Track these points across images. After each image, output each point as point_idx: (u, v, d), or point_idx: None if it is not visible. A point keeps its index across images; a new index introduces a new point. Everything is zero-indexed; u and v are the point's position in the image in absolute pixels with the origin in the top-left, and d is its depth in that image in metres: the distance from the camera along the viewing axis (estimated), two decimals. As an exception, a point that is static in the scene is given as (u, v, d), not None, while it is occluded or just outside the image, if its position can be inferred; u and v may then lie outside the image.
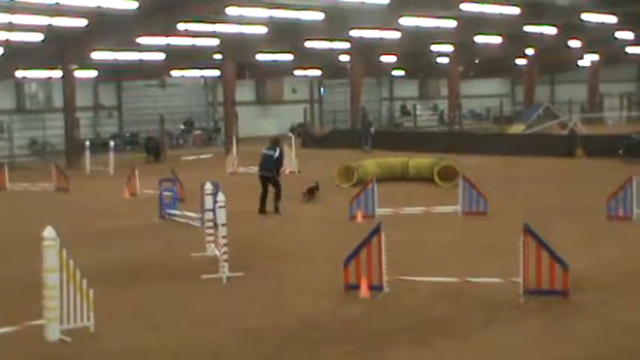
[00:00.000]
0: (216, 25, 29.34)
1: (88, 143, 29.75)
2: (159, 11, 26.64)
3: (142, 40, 30.31)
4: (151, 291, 10.66)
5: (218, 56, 35.91)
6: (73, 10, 24.71)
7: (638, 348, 8.04)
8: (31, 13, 24.61)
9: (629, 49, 46.03)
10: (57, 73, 32.54)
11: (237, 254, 11.76)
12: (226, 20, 28.62)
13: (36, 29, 26.84)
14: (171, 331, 8.84)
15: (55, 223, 8.77)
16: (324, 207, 17.80)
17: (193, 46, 33.15)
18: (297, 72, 45.93)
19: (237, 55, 35.69)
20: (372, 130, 34.37)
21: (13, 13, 24.22)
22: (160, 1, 25.93)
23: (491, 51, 42.15)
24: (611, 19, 34.37)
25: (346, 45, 37.37)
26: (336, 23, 30.49)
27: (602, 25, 35.53)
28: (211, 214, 12.35)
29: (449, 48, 40.86)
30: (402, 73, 51.59)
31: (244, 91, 43.59)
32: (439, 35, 35.87)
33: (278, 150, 17.06)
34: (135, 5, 24.29)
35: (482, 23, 33.71)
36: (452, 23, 32.71)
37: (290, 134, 31.18)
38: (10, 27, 25.76)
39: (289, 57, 39.63)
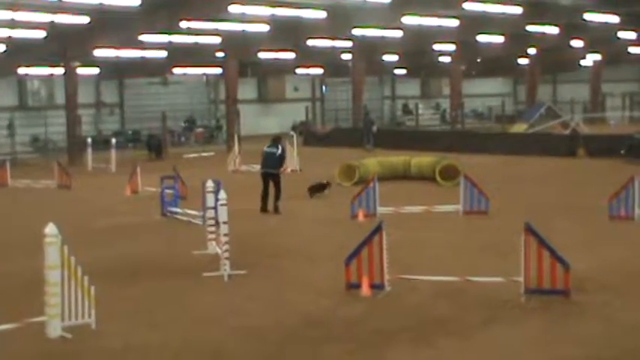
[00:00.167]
0: (219, 23, 29.34)
1: (89, 140, 29.75)
2: (161, 9, 26.64)
3: (145, 37, 30.33)
4: (152, 288, 10.66)
5: (220, 54, 35.92)
6: (76, 7, 24.72)
7: (639, 348, 8.04)
8: (33, 10, 24.64)
9: (632, 49, 45.98)
10: (59, 70, 32.58)
11: (239, 252, 11.77)
12: (229, 18, 28.61)
13: (38, 26, 26.86)
14: (173, 329, 8.84)
15: (57, 220, 8.78)
16: (326, 205, 17.80)
17: (195, 44, 33.15)
18: (299, 70, 45.93)
19: (239, 53, 35.69)
20: (374, 128, 34.37)
21: (15, 10, 24.24)
22: (162, -2, 25.98)
23: (494, 50, 42.12)
24: (614, 19, 34.34)
25: (348, 43, 37.36)
26: (339, 22, 30.48)
27: (605, 25, 35.50)
28: (213, 211, 12.36)
29: (451, 47, 40.82)
30: (404, 71, 51.59)
31: (246, 89, 43.60)
32: (441, 34, 35.84)
33: (280, 147, 17.03)
34: (137, 2, 24.30)
35: (485, 22, 33.69)
36: (454, 22, 32.69)
37: (292, 132, 31.17)
38: (12, 24, 25.77)
39: (291, 55, 39.61)
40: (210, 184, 12.71)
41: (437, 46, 40.55)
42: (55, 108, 35.95)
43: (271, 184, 16.85)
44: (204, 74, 44.65)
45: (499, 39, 39.01)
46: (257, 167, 18.82)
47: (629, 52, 47.04)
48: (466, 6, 28.91)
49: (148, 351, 8.17)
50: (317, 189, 19.18)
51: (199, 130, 42.68)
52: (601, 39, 41.27)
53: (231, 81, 36.25)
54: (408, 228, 14.23)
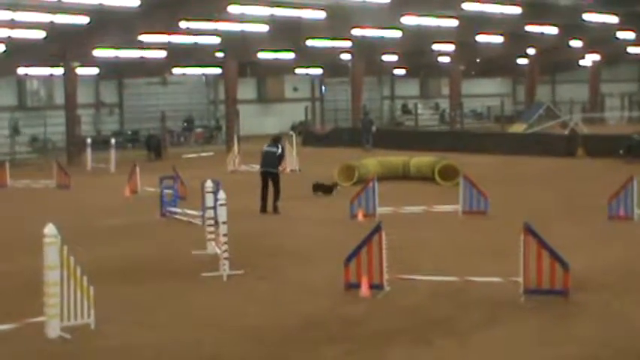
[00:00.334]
0: (218, 23, 29.36)
1: (89, 140, 29.76)
2: (161, 9, 26.64)
3: (144, 37, 30.32)
4: (152, 289, 10.66)
5: (220, 54, 35.92)
6: (75, 7, 24.73)
7: (638, 348, 8.05)
8: (33, 11, 24.64)
9: (631, 49, 46.02)
10: (59, 71, 32.57)
11: (238, 252, 11.77)
12: (228, 18, 28.62)
13: (38, 26, 26.85)
14: (172, 329, 8.85)
15: (56, 220, 8.79)
16: (325, 206, 17.81)
17: (195, 44, 33.16)
18: (298, 70, 45.93)
19: (238, 53, 35.69)
20: (374, 128, 34.38)
21: (15, 10, 24.24)
22: (161, -2, 25.98)
23: (493, 50, 42.14)
24: (613, 19, 34.37)
25: (348, 43, 37.37)
26: (338, 22, 30.49)
27: (604, 25, 35.54)
28: (212, 211, 12.36)
29: (450, 47, 40.85)
30: (403, 71, 51.59)
31: (245, 89, 43.58)
32: (440, 34, 35.87)
33: (280, 147, 17.03)
34: (137, 3, 24.30)
35: (484, 22, 33.72)
36: (453, 22, 32.71)
37: (291, 132, 31.18)
38: (12, 24, 25.76)
39: (291, 55, 39.61)
40: (209, 185, 12.71)
41: (436, 46, 40.57)
42: (55, 108, 35.95)
43: (270, 184, 16.84)
44: (203, 74, 44.64)
45: (498, 39, 39.04)
46: (256, 167, 18.84)
47: (627, 52, 47.08)
48: (465, 6, 28.95)
49: (146, 351, 8.16)
50: (323, 189, 19.22)
51: (199, 130, 42.68)
52: (600, 39, 41.31)
53: (231, 81, 36.26)
54: (407, 228, 14.23)
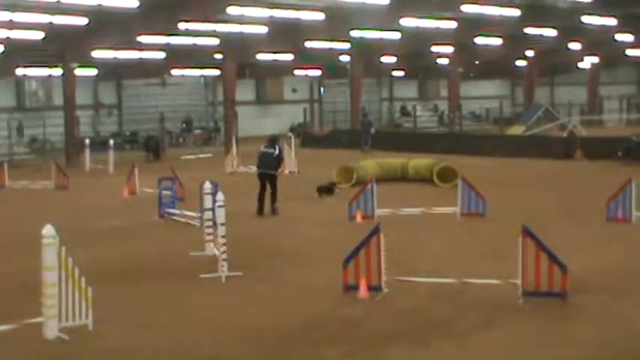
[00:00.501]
0: (217, 24, 29.35)
1: (87, 141, 29.75)
2: (159, 10, 26.63)
3: (143, 38, 30.32)
4: (150, 290, 10.66)
5: (218, 56, 35.91)
6: (74, 8, 24.71)
7: (636, 350, 8.06)
8: (32, 11, 24.62)
9: (629, 52, 46.06)
10: (57, 71, 32.55)
11: (236, 254, 11.76)
12: (227, 20, 28.62)
13: (37, 27, 26.83)
14: (170, 331, 8.84)
15: (54, 221, 8.78)
16: (324, 207, 17.81)
17: (194, 46, 33.15)
18: (297, 72, 45.94)
19: (237, 55, 35.69)
20: (372, 130, 34.39)
21: (14, 11, 24.23)
22: (160, 0, 25.94)
23: (492, 52, 42.18)
24: (611, 22, 34.41)
25: (346, 45, 37.38)
26: (337, 23, 30.50)
27: (602, 28, 35.58)
28: (210, 213, 12.35)
29: (449, 49, 40.87)
30: (402, 73, 51.61)
31: (244, 91, 43.58)
32: (439, 36, 35.90)
33: (277, 148, 16.90)
34: (136, 4, 24.29)
35: (483, 24, 33.75)
36: (452, 24, 32.73)
37: (290, 134, 31.19)
38: (11, 25, 25.75)
39: (289, 57, 39.62)
40: (207, 186, 12.71)
41: (435, 48, 40.60)
42: (53, 109, 35.92)
43: (268, 186, 16.76)
44: (202, 76, 44.64)
45: (497, 41, 39.07)
46: (255, 169, 18.78)
47: (626, 55, 47.12)
48: (464, 8, 28.97)
49: (144, 353, 8.16)
50: (326, 190, 19.25)
51: (197, 131, 42.68)
52: (598, 41, 41.36)
53: (230, 82, 36.26)
54: (405, 230, 14.24)
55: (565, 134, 33.77)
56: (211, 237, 12.43)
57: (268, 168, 16.73)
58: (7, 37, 27.68)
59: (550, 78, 57.03)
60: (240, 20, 28.76)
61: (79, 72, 32.39)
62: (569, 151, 28.18)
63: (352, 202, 15.84)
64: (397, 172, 22.38)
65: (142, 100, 42.49)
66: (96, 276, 9.66)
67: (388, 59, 43.91)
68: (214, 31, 30.46)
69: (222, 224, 11.07)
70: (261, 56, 38.21)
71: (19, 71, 35.00)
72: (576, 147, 28.29)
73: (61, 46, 29.90)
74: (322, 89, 51.02)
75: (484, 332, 8.53)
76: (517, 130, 38.74)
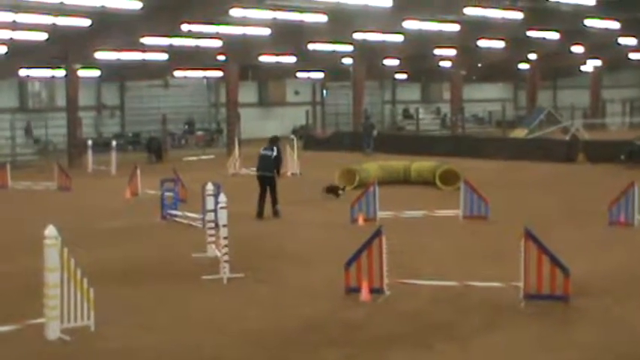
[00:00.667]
0: (220, 26, 29.35)
1: (90, 143, 29.76)
2: (163, 12, 26.65)
3: (146, 40, 30.34)
4: (152, 291, 10.66)
5: (221, 57, 35.93)
6: (77, 9, 24.73)
7: (639, 354, 8.04)
8: (35, 12, 24.63)
9: (632, 55, 46.05)
10: (60, 73, 32.57)
11: (238, 255, 11.77)
12: (230, 22, 28.63)
13: (40, 28, 26.84)
14: (172, 332, 8.84)
15: (57, 222, 8.78)
16: (326, 210, 17.79)
17: (197, 47, 33.16)
18: (299, 74, 45.94)
19: (240, 57, 35.71)
20: (375, 132, 34.40)
21: (17, 12, 24.24)
22: (163, 1, 25.95)
23: (494, 55, 42.15)
24: (614, 25, 34.40)
25: (349, 48, 37.38)
26: (340, 26, 30.50)
27: (605, 31, 35.56)
28: (213, 214, 12.35)
29: (452, 52, 40.87)
30: (404, 76, 51.61)
31: (247, 93, 43.59)
32: (442, 39, 35.87)
33: (276, 149, 16.69)
34: (139, 5, 24.31)
35: (485, 27, 33.73)
36: (455, 27, 32.72)
37: (292, 136, 31.19)
38: (14, 26, 25.77)
39: (292, 59, 39.64)
40: (210, 187, 12.71)
41: (437, 51, 40.60)
42: (56, 110, 35.94)
43: (268, 188, 16.71)
44: (204, 77, 44.65)
45: (500, 44, 39.05)
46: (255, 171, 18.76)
47: (629, 58, 47.10)
48: (467, 11, 28.95)
49: (146, 354, 8.16)
50: (331, 190, 19.24)
51: (199, 133, 42.70)
52: (601, 45, 41.34)
53: (232, 84, 36.27)
54: (407, 232, 14.22)
55: (568, 137, 33.77)
56: (213, 239, 12.43)
57: (266, 170, 16.61)
58: (11, 38, 27.70)
59: (553, 81, 57.00)
60: (243, 22, 28.77)
61: (82, 73, 32.40)
62: (572, 154, 28.16)
63: (354, 204, 15.83)
64: (399, 175, 22.37)
65: (145, 102, 42.52)
66: (98, 277, 9.67)
67: (391, 62, 43.91)
68: (217, 32, 30.46)
69: (224, 226, 11.07)
70: (263, 58, 38.22)
71: (22, 72, 35.03)
72: (579, 150, 28.26)
73: (64, 48, 29.92)
74: (325, 92, 51.02)
75: (486, 335, 8.52)
76: (520, 133, 38.72)
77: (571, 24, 34.08)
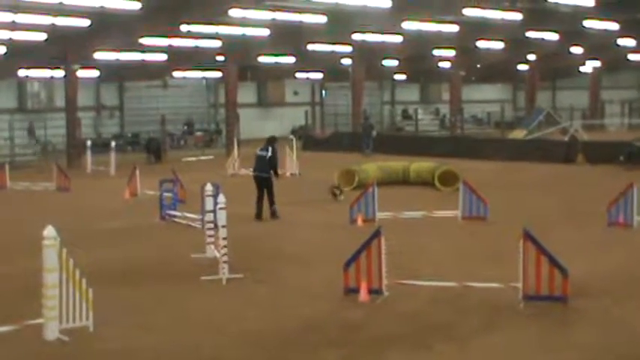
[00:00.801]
0: (219, 26, 29.36)
1: (89, 143, 29.75)
2: (162, 12, 26.65)
3: (145, 40, 30.34)
4: (151, 292, 10.65)
5: (220, 58, 35.94)
6: (77, 10, 24.72)
7: (638, 355, 8.05)
8: (34, 13, 24.63)
9: (631, 56, 46.06)
10: (59, 73, 32.57)
11: (237, 256, 11.77)
12: (229, 22, 28.63)
13: (39, 29, 26.85)
14: (171, 333, 8.84)
15: (56, 223, 8.78)
16: (325, 210, 17.79)
17: (196, 48, 33.17)
18: (298, 74, 45.95)
19: (239, 57, 35.72)
20: (374, 133, 34.41)
21: (16, 12, 24.24)
22: (163, 1, 25.95)
23: (493, 56, 42.17)
24: (614, 26, 34.41)
25: (348, 48, 37.39)
26: (339, 26, 30.50)
27: (604, 32, 35.57)
28: (212, 215, 12.35)
29: (451, 53, 40.89)
30: (403, 77, 51.64)
31: (246, 93, 43.60)
32: (441, 40, 35.89)
33: (270, 150, 16.55)
34: (138, 6, 24.30)
35: (485, 28, 33.74)
36: (454, 28, 32.73)
37: (291, 136, 31.19)
38: (13, 26, 25.76)
39: (291, 59, 39.65)
40: (209, 188, 12.71)
41: (437, 52, 40.61)
42: (55, 110, 35.94)
43: (265, 189, 16.66)
44: (204, 78, 44.67)
45: (499, 45, 39.07)
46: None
47: (628, 59, 47.12)
48: (466, 12, 28.96)
49: (145, 355, 8.16)
50: (334, 190, 19.25)
51: (199, 133, 42.70)
52: (600, 46, 41.36)
53: (231, 85, 36.28)
54: (406, 233, 14.23)
55: (567, 138, 33.78)
56: (212, 239, 12.43)
57: (262, 171, 16.51)
58: (10, 39, 27.70)
59: (552, 82, 57.04)
60: (243, 23, 28.78)
61: (81, 73, 32.39)
62: (571, 155, 28.17)
63: (353, 205, 15.83)
64: (398, 176, 22.37)
65: (144, 102, 42.53)
66: (97, 277, 9.67)
67: (390, 62, 43.93)
68: (216, 33, 30.47)
69: (223, 226, 11.06)
70: (263, 59, 38.25)
71: (21, 72, 35.03)
72: (578, 151, 28.27)
73: (64, 48, 29.92)
74: (324, 92, 51.04)
75: (485, 336, 8.52)
76: (519, 134, 38.74)
77: (570, 25, 34.10)
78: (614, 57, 46.25)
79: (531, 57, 44.35)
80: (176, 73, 41.91)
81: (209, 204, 12.48)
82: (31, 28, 26.67)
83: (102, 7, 24.12)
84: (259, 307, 9.81)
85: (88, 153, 28.91)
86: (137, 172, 21.07)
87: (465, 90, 46.24)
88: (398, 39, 34.86)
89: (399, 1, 26.33)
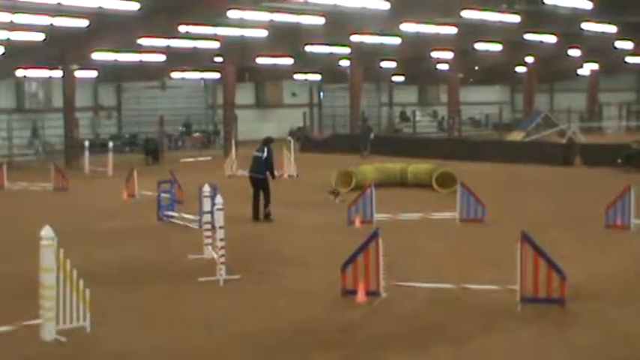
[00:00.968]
0: (217, 27, 29.38)
1: (87, 143, 29.75)
2: (160, 13, 26.66)
3: (143, 41, 30.34)
4: (148, 292, 10.64)
5: (218, 59, 35.95)
6: (75, 10, 24.71)
7: (635, 357, 8.05)
8: (32, 13, 24.63)
9: (629, 59, 46.13)
10: (57, 73, 32.57)
11: (235, 257, 11.76)
12: (227, 23, 28.65)
13: (37, 29, 26.85)
14: (167, 333, 8.83)
15: (53, 223, 8.76)
16: (322, 212, 17.78)
17: (194, 49, 33.19)
18: (297, 76, 45.97)
19: (237, 58, 35.74)
20: (372, 135, 34.42)
21: (14, 12, 24.23)
22: (161, 2, 25.95)
23: (491, 58, 42.22)
24: (611, 29, 34.45)
25: (346, 50, 37.41)
26: (337, 28, 30.53)
27: (602, 35, 35.61)
28: (209, 216, 12.34)
29: (449, 54, 40.92)
30: (401, 78, 51.67)
31: (244, 94, 43.63)
32: (439, 42, 35.92)
33: (266, 150, 16.49)
34: (136, 6, 24.31)
35: (483, 30, 33.77)
36: (452, 30, 32.77)
37: (289, 138, 31.19)
38: (11, 26, 25.76)
39: (289, 61, 39.67)
40: (206, 189, 12.70)
41: (435, 54, 40.65)
42: (53, 111, 35.95)
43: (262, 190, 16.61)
44: (202, 79, 44.69)
45: (497, 47, 39.11)
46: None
47: (626, 62, 47.19)
48: (464, 14, 28.99)
49: (142, 355, 8.15)
50: (333, 192, 19.22)
51: (196, 134, 42.71)
52: (598, 48, 41.41)
53: (229, 86, 36.30)
54: (404, 235, 14.23)
55: (564, 141, 33.79)
56: (210, 240, 12.42)
57: (257, 172, 16.45)
58: (8, 39, 27.69)
59: (550, 84, 57.13)
60: (241, 24, 28.79)
61: (79, 74, 32.41)
62: (569, 157, 28.20)
63: (351, 206, 15.83)
64: (396, 177, 22.38)
65: (142, 103, 42.55)
66: (94, 278, 9.64)
67: (388, 64, 43.97)
68: (215, 34, 30.48)
69: (220, 227, 11.06)
70: (261, 60, 38.26)
71: (19, 72, 35.04)
72: (576, 154, 28.31)
73: (62, 48, 29.92)
74: (322, 94, 51.06)
75: (482, 338, 8.52)
76: (516, 136, 38.77)
77: (568, 27, 34.14)
78: (611, 60, 46.30)
79: (529, 59, 44.40)
80: (174, 74, 41.93)
81: (207, 205, 12.46)
82: (29, 29, 26.66)
83: (100, 7, 24.11)
84: (256, 309, 9.80)
85: (86, 153, 28.90)
86: (135, 172, 21.05)
87: (462, 92, 46.30)
88: (396, 41, 34.88)
89: (398, 2, 26.36)
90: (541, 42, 38.03)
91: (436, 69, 45.35)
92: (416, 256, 12.66)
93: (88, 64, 33.84)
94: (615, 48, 40.93)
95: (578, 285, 10.11)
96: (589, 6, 29.05)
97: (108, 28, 27.72)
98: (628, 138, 32.86)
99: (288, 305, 9.90)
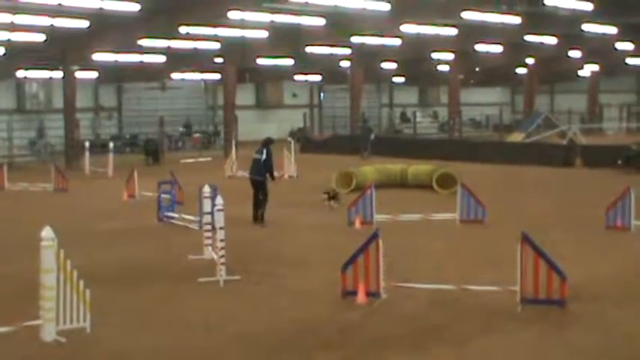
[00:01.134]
0: (218, 28, 29.37)
1: (87, 144, 29.75)
2: (161, 14, 26.66)
3: (144, 42, 30.34)
4: (148, 293, 10.65)
5: (219, 60, 35.95)
6: (75, 11, 24.71)
7: (635, 358, 8.05)
8: (33, 14, 24.63)
9: (629, 60, 46.12)
10: (58, 74, 32.58)
11: (235, 258, 11.76)
12: (228, 24, 28.65)
13: (38, 30, 26.86)
14: (168, 334, 8.83)
15: (53, 224, 8.77)
16: (323, 213, 17.78)
17: (194, 50, 33.18)
18: (297, 77, 45.97)
19: (237, 59, 35.73)
20: (372, 136, 34.42)
21: (15, 13, 24.24)
22: (161, 3, 25.96)
23: (492, 59, 42.21)
24: (612, 30, 34.45)
25: (347, 51, 37.41)
26: (337, 29, 30.53)
27: (603, 36, 35.60)
28: (209, 217, 12.34)
29: (449, 56, 40.91)
30: (402, 79, 51.68)
31: (244, 95, 43.63)
32: (440, 43, 35.93)
33: (265, 152, 16.41)
34: (137, 7, 24.32)
35: (483, 32, 33.77)
36: (453, 31, 32.77)
37: (289, 139, 31.19)
38: (12, 27, 25.77)
39: (290, 62, 39.68)
40: (207, 190, 12.70)
41: (435, 55, 40.64)
42: (53, 111, 35.95)
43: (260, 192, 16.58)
44: (202, 80, 44.69)
45: (497, 48, 39.11)
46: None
47: (626, 63, 47.19)
48: (464, 15, 28.99)
49: (142, 356, 8.15)
50: (332, 196, 19.12)
51: (197, 135, 42.71)
52: (599, 50, 41.40)
53: (230, 87, 36.30)
54: (404, 236, 14.23)
55: (565, 142, 33.80)
56: (210, 241, 12.42)
57: (257, 174, 16.39)
58: (9, 40, 27.69)
59: (550, 86, 57.12)
60: (241, 25, 28.78)
61: (80, 75, 32.41)
62: (569, 158, 28.19)
63: (351, 207, 15.83)
64: (397, 178, 22.37)
65: (142, 104, 42.57)
66: (94, 279, 9.65)
67: (388, 65, 43.97)
68: (215, 35, 30.48)
69: (221, 228, 11.06)
70: (261, 61, 38.26)
71: (20, 73, 35.05)
72: (576, 155, 28.31)
73: (62, 49, 29.93)
74: (322, 94, 51.06)
75: (483, 339, 8.52)
76: (517, 137, 38.77)
77: (569, 29, 34.13)
78: (612, 61, 46.30)
79: (530, 60, 44.40)
80: (175, 75, 41.94)
81: (207, 206, 12.46)
82: (29, 29, 26.67)
83: (101, 8, 24.13)
84: (256, 309, 9.80)
85: (86, 154, 28.90)
86: (135, 173, 21.06)
87: (463, 93, 46.30)
88: (397, 42, 34.88)
89: (398, 3, 26.37)
90: (541, 43, 38.03)
91: (437, 70, 45.34)
92: (416, 257, 12.66)
93: (89, 65, 33.85)
94: (616, 49, 40.92)
95: (579, 286, 10.11)
96: (589, 7, 29.06)
97: (108, 28, 27.73)
98: (628, 139, 32.86)
99: (289, 306, 9.90)
